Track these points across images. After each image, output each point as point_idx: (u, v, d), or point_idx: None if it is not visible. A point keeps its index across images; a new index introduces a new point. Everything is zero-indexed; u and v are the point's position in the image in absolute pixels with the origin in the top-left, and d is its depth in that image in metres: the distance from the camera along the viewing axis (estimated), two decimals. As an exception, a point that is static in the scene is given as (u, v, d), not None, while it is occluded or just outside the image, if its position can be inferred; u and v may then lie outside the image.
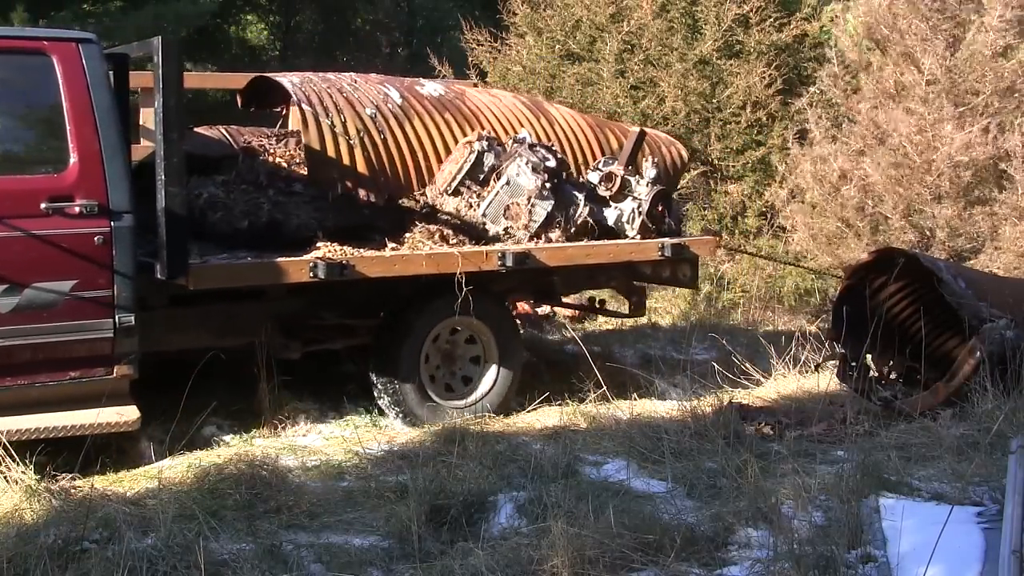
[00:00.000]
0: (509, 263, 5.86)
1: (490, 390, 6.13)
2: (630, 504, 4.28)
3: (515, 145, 6.32)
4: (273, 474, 4.76)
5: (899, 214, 8.69)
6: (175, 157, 4.98)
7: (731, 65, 10.73)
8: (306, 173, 6.00)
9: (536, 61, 11.33)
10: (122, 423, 4.99)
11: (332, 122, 5.91)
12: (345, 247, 5.62)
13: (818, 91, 10.08)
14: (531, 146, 6.33)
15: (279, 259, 5.40)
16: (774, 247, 10.38)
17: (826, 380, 6.43)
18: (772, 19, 10.76)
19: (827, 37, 9.94)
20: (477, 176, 6.19)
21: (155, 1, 11.82)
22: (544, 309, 8.31)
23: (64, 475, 4.62)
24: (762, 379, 6.69)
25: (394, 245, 5.81)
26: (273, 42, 19.18)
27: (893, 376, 6.40)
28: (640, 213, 6.41)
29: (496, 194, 6.14)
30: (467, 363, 6.19)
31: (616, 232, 6.44)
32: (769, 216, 10.49)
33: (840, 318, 6.14)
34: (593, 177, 6.53)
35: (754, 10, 10.66)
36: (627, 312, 7.16)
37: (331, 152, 5.89)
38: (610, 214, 6.44)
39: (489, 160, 6.20)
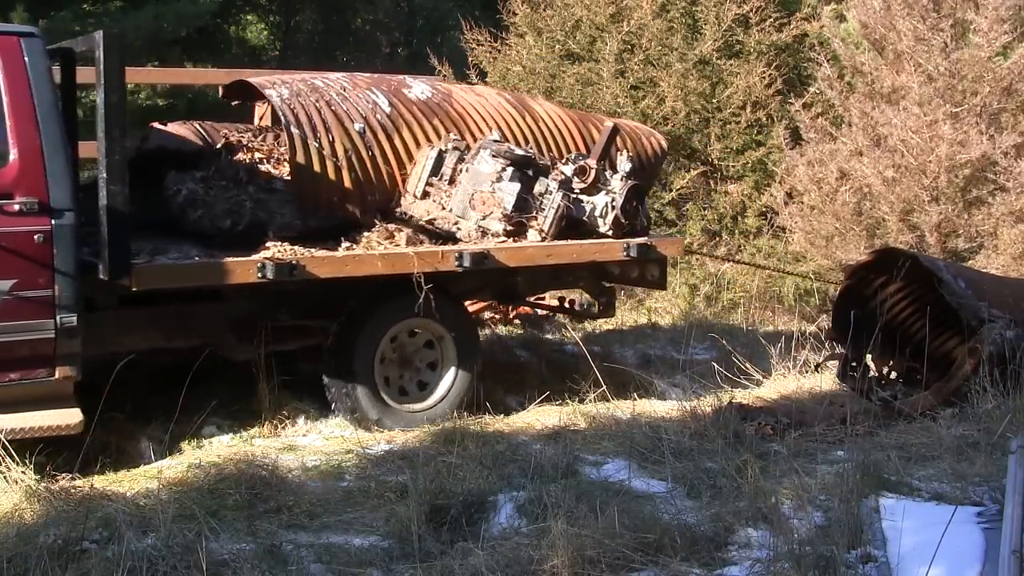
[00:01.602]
0: (466, 263, 5.72)
1: (447, 393, 6.02)
2: (630, 504, 4.28)
3: (480, 141, 6.20)
4: (273, 474, 4.76)
5: (896, 215, 8.70)
6: (117, 155, 4.88)
7: (731, 65, 10.73)
8: (289, 176, 5.93)
9: (536, 61, 11.33)
10: (63, 427, 4.84)
11: (320, 143, 5.80)
12: (296, 247, 5.50)
13: (817, 91, 10.09)
14: (496, 141, 6.22)
15: (226, 259, 5.28)
16: (774, 247, 10.39)
17: (826, 380, 6.44)
18: (772, 19, 10.77)
19: (826, 39, 9.94)
20: (443, 175, 6.07)
21: (155, 1, 11.83)
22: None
23: (64, 475, 4.62)
24: (762, 379, 6.70)
25: (348, 245, 5.71)
26: (273, 42, 19.19)
27: (893, 376, 6.40)
28: (614, 208, 6.25)
29: (460, 185, 6.02)
30: (424, 366, 6.07)
31: (589, 227, 6.29)
32: (769, 216, 10.49)
33: (840, 318, 6.14)
34: (566, 170, 6.35)
35: (754, 10, 10.66)
36: (596, 313, 7.07)
37: (319, 174, 5.80)
38: (583, 208, 6.28)
39: (452, 158, 6.08)
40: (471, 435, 5.18)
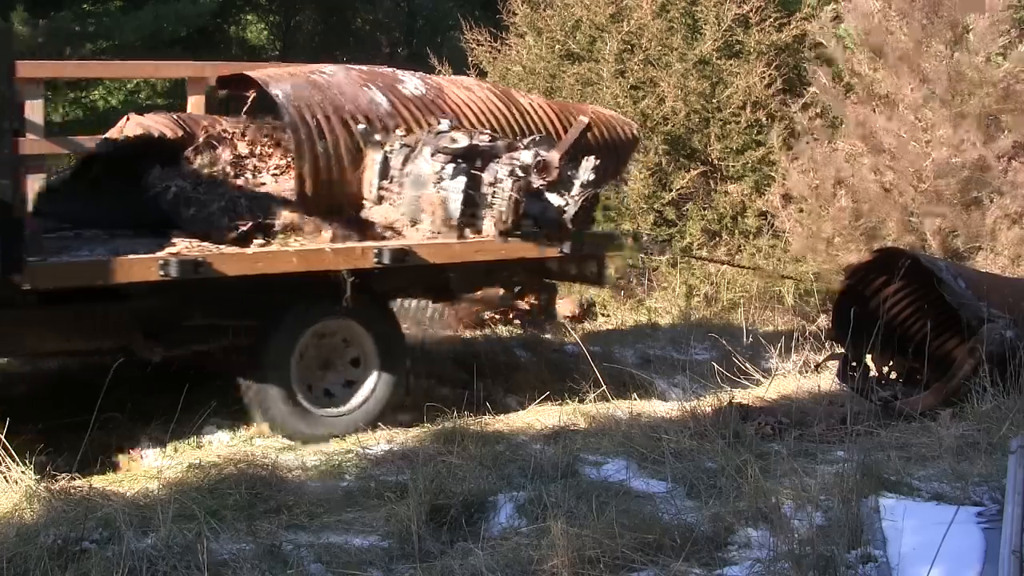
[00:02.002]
0: (386, 260, 5.51)
1: (369, 398, 5.83)
2: (630, 504, 4.28)
3: (424, 136, 6.01)
4: (273, 474, 4.76)
5: (894, 220, 8.69)
6: (6, 148, 4.75)
7: (731, 65, 10.73)
8: (293, 177, 5.92)
9: (536, 61, 11.34)
10: None
11: (326, 149, 5.74)
12: (204, 243, 5.30)
13: (816, 92, 10.09)
14: (439, 133, 6.02)
15: (127, 257, 5.07)
16: (775, 246, 10.39)
17: (826, 380, 6.44)
18: (772, 19, 10.77)
19: (823, 42, 9.94)
20: (392, 178, 5.93)
21: (155, 1, 11.84)
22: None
23: (64, 475, 4.62)
24: (762, 379, 6.69)
25: (262, 241, 5.52)
26: (273, 42, 19.20)
27: (893, 376, 6.40)
28: (565, 212, 6.01)
29: (405, 189, 5.88)
30: (345, 369, 5.89)
31: (538, 223, 6.07)
32: (769, 217, 10.50)
33: (840, 318, 6.14)
34: (525, 156, 6.01)
35: (754, 10, 10.67)
36: (536, 311, 7.01)
37: (324, 180, 5.75)
38: (535, 206, 6.02)
39: (398, 159, 5.91)
40: (471, 435, 5.18)
